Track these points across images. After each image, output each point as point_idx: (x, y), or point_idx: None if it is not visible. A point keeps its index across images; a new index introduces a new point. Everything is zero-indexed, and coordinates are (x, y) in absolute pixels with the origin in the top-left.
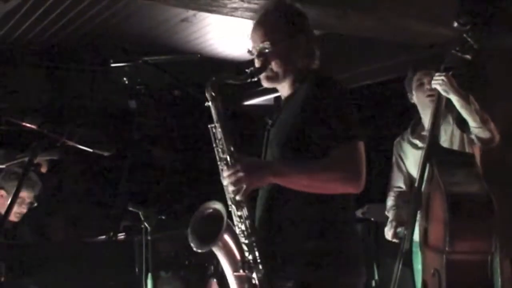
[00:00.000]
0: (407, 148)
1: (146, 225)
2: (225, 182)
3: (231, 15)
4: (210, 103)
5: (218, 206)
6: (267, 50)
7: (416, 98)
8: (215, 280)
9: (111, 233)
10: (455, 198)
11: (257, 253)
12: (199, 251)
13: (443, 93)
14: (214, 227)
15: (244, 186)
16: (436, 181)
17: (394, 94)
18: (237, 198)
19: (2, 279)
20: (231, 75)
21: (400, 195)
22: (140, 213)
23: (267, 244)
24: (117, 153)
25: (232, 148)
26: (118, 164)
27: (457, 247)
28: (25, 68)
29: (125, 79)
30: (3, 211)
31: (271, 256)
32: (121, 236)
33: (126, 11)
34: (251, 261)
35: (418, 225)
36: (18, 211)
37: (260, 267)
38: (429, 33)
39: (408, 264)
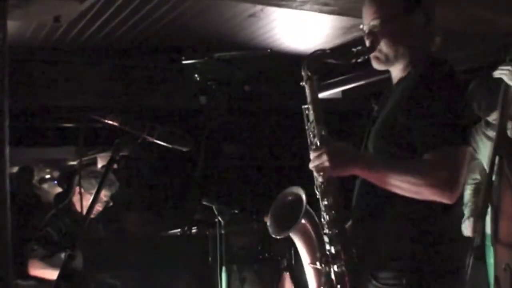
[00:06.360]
0: (480, 139)
1: (220, 219)
2: (310, 165)
3: (301, 9)
4: (304, 83)
5: (299, 191)
6: (376, 29)
7: None
8: (288, 273)
9: (185, 227)
10: None
11: (339, 246)
12: (277, 237)
13: (509, 83)
14: (294, 213)
15: (327, 171)
16: (506, 176)
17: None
18: (319, 181)
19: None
20: (333, 53)
21: (476, 190)
22: (213, 207)
23: (363, 242)
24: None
25: (323, 132)
26: (191, 159)
27: None
28: (98, 66)
29: (196, 75)
30: (78, 207)
31: (362, 255)
32: (194, 230)
33: (194, 9)
34: (331, 254)
35: (490, 219)
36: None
37: (341, 261)
38: (502, 23)
39: (481, 258)
